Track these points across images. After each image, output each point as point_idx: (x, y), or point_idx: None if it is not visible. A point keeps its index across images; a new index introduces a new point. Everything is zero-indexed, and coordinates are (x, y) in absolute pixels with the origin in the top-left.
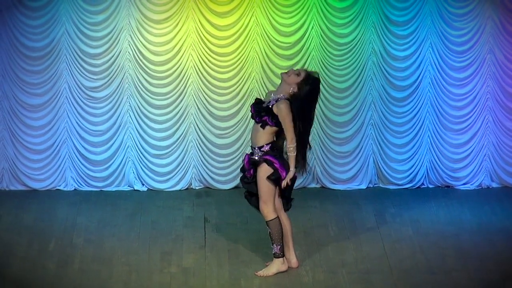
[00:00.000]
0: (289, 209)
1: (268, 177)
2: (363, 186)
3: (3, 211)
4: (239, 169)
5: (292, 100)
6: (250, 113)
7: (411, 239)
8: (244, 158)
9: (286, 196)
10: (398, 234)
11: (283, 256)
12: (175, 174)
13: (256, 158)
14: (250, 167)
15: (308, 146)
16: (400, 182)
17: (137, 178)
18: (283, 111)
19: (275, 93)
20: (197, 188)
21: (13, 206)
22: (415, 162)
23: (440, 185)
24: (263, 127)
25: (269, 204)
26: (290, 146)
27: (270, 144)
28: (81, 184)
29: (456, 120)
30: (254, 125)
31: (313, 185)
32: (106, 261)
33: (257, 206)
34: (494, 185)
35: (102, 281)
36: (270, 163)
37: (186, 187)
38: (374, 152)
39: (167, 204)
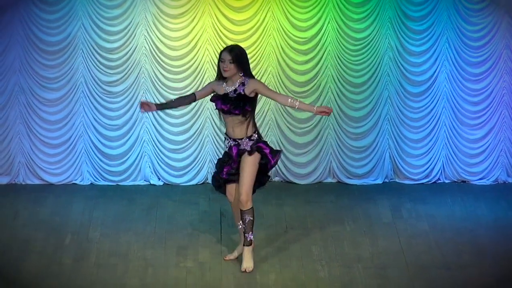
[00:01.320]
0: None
1: (259, 163)
2: (379, 181)
3: (19, 205)
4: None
5: (247, 75)
6: (222, 111)
7: (427, 235)
8: (232, 151)
9: (264, 179)
10: (414, 229)
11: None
12: (191, 169)
13: (248, 148)
14: (238, 159)
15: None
16: (416, 177)
17: (153, 173)
18: (257, 84)
19: (229, 85)
20: None
21: (29, 200)
22: (431, 157)
23: (456, 180)
24: (245, 115)
25: (251, 191)
26: (293, 100)
27: (257, 132)
28: (97, 178)
29: (472, 115)
30: (229, 118)
31: (329, 180)
32: (122, 255)
33: (225, 193)
34: (510, 180)
35: (118, 276)
36: (261, 151)
37: (202, 181)
38: (390, 147)
39: (183, 199)
